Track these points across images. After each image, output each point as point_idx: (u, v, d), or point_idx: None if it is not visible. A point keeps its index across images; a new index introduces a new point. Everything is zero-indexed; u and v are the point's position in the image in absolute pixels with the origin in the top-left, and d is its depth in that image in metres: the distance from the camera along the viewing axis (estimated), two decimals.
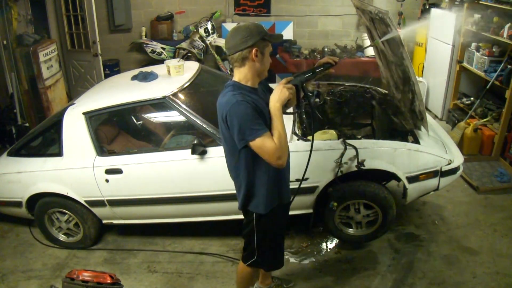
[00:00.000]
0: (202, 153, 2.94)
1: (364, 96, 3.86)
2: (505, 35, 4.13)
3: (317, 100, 3.82)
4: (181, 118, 3.08)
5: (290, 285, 2.95)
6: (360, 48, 6.44)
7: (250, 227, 2.27)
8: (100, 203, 3.25)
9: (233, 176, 2.23)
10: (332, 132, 3.31)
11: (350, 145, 2.90)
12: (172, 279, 3.10)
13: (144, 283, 3.08)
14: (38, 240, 3.58)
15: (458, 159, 3.11)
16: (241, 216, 3.15)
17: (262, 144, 1.89)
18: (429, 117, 3.41)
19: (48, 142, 3.61)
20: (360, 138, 3.18)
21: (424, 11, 6.04)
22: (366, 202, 3.06)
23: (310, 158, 2.26)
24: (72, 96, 5.85)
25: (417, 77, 3.25)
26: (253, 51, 1.93)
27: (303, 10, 6.70)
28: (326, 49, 6.39)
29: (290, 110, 2.33)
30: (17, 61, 4.95)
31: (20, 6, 5.20)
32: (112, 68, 6.56)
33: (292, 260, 3.17)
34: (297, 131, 3.09)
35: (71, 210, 3.34)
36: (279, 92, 1.96)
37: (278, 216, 2.29)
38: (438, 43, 5.45)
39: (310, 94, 2.05)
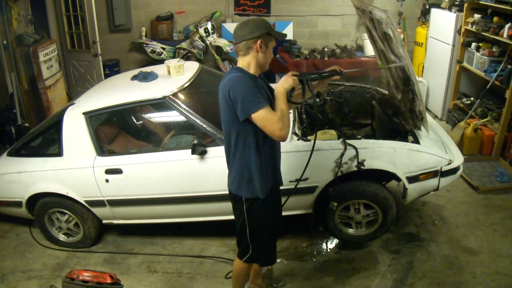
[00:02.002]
0: (202, 153, 2.94)
1: (364, 96, 3.86)
2: (505, 35, 4.13)
3: (317, 100, 3.82)
4: (181, 118, 3.08)
5: (280, 284, 2.96)
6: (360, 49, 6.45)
7: (242, 218, 2.29)
8: (100, 203, 3.25)
9: (229, 159, 2.25)
10: (332, 132, 3.31)
11: (350, 145, 2.90)
12: (172, 279, 3.10)
13: (144, 283, 3.08)
14: (38, 241, 3.57)
15: (458, 159, 3.11)
16: None
17: (265, 115, 1.98)
18: (429, 117, 3.40)
19: (48, 142, 3.61)
20: (360, 138, 3.18)
21: (424, 11, 6.04)
22: (366, 202, 3.06)
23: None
24: (72, 96, 5.85)
25: (417, 77, 3.25)
26: (258, 42, 2.07)
27: (303, 10, 6.70)
28: (326, 49, 6.39)
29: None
30: (17, 61, 4.95)
31: (20, 6, 5.20)
32: (112, 68, 6.56)
33: (285, 262, 3.16)
34: (297, 131, 3.09)
35: (71, 210, 3.34)
36: (284, 80, 2.14)
37: (270, 202, 2.30)
38: (438, 43, 5.45)
39: (316, 97, 2.28)
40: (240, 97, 1.99)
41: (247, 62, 2.12)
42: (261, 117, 1.98)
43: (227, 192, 3.00)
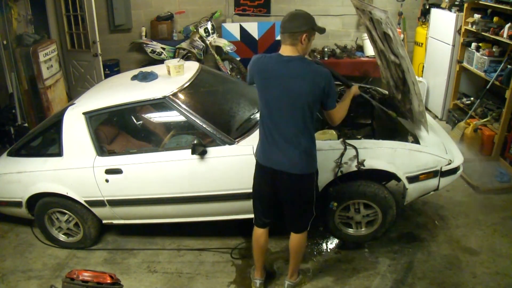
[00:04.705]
0: (202, 153, 2.93)
1: (364, 96, 3.85)
2: (505, 35, 4.13)
3: None
4: (181, 118, 3.08)
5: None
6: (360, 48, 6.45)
7: (310, 192, 2.56)
8: (100, 203, 3.25)
9: (290, 141, 2.40)
10: (332, 132, 3.30)
11: (350, 145, 2.90)
12: (172, 279, 3.10)
13: (144, 283, 3.08)
14: (40, 240, 3.57)
15: (458, 159, 3.11)
16: (241, 216, 3.18)
17: (338, 109, 2.46)
18: (429, 117, 3.40)
19: (48, 142, 3.61)
20: (360, 138, 3.18)
21: (424, 11, 6.04)
22: (366, 202, 3.06)
23: None
24: (72, 96, 5.85)
25: (417, 77, 3.26)
26: (303, 36, 2.31)
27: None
28: (326, 49, 6.40)
29: None
30: (17, 61, 4.95)
31: (20, 6, 5.20)
32: (112, 68, 6.56)
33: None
34: None
35: (71, 210, 3.34)
36: (357, 89, 2.81)
37: None
38: (438, 43, 5.45)
39: None
40: (333, 93, 2.36)
41: (296, 51, 2.34)
42: (337, 110, 2.46)
43: (227, 192, 3.04)
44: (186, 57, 6.45)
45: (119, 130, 3.63)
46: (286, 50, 2.36)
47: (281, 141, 2.41)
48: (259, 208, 2.71)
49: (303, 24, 2.30)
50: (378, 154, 2.95)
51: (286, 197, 2.58)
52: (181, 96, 3.12)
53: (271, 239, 3.37)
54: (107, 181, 3.13)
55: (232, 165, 2.97)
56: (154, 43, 6.57)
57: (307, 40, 2.34)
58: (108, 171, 3.12)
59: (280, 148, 2.42)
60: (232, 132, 3.06)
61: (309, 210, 2.62)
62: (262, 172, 2.57)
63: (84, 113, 3.19)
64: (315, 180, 2.58)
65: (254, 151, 2.65)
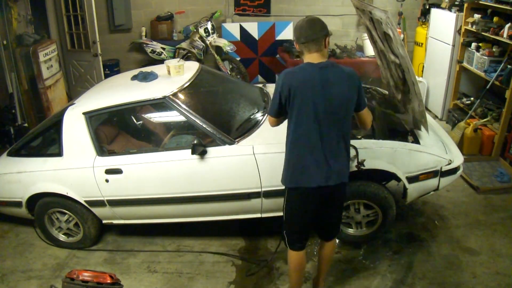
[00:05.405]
0: (202, 153, 2.93)
1: None
2: (505, 35, 4.13)
3: None
4: (181, 118, 3.08)
5: None
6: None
7: (344, 200, 2.61)
8: (100, 203, 3.25)
9: (345, 149, 2.36)
10: None
11: (350, 145, 2.89)
12: (172, 279, 3.10)
13: (144, 283, 3.08)
14: (43, 239, 3.57)
15: (458, 159, 3.11)
16: (241, 216, 3.18)
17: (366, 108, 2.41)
18: (429, 117, 3.40)
19: (48, 142, 3.61)
20: (360, 138, 3.19)
21: (424, 11, 6.04)
22: (366, 202, 3.06)
23: None
24: (72, 96, 5.85)
25: (417, 77, 3.25)
26: (327, 39, 2.28)
27: (303, 10, 6.70)
28: None
29: None
30: (17, 61, 4.95)
31: (20, 6, 5.20)
32: (112, 68, 6.56)
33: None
34: None
35: (71, 210, 3.33)
36: None
37: None
38: (438, 43, 5.46)
39: None
40: (363, 90, 2.34)
41: (323, 57, 2.28)
42: (367, 110, 2.41)
43: (227, 192, 3.04)
44: (186, 57, 6.46)
45: (119, 130, 3.63)
46: (314, 58, 2.25)
47: (332, 152, 2.29)
48: (304, 232, 2.53)
49: (322, 28, 2.24)
50: (378, 154, 2.95)
51: (333, 208, 2.52)
52: (181, 96, 3.12)
53: (272, 239, 3.39)
54: (107, 181, 3.13)
55: (232, 165, 2.97)
56: (154, 43, 6.57)
57: (328, 43, 2.29)
58: (108, 171, 3.12)
59: (336, 159, 2.30)
60: (232, 132, 3.06)
61: (341, 217, 2.68)
62: (310, 195, 2.36)
63: (84, 113, 3.19)
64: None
65: (286, 178, 2.40)
